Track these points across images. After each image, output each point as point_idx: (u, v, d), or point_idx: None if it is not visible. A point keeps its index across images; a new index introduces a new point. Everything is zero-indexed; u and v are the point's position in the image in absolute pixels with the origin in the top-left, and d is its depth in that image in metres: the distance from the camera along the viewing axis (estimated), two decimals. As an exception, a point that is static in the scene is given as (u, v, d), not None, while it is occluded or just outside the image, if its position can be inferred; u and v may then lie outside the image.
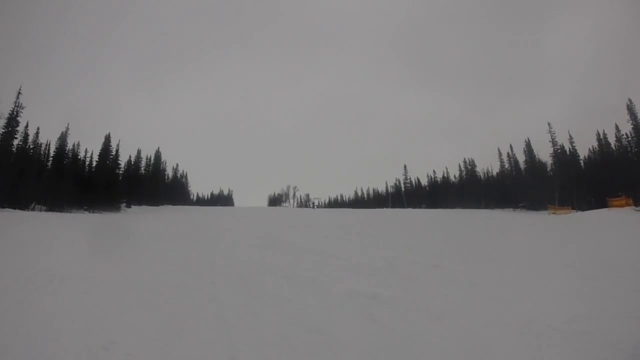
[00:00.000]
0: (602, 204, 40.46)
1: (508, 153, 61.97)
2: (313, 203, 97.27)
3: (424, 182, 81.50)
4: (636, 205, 36.91)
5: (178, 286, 7.70)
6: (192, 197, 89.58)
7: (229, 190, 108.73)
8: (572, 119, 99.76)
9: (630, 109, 48.31)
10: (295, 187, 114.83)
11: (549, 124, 55.36)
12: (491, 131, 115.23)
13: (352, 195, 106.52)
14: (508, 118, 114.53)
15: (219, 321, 5.68)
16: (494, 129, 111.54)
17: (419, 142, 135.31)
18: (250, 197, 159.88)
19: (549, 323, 5.84)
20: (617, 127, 50.18)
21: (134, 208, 52.32)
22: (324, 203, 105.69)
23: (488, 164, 71.19)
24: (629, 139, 49.14)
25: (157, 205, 59.23)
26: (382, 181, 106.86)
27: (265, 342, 4.96)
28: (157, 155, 71.72)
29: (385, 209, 62.31)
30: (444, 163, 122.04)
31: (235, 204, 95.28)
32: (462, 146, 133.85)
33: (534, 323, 5.86)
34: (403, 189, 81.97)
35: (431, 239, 19.75)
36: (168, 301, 6.58)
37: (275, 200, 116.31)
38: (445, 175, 75.98)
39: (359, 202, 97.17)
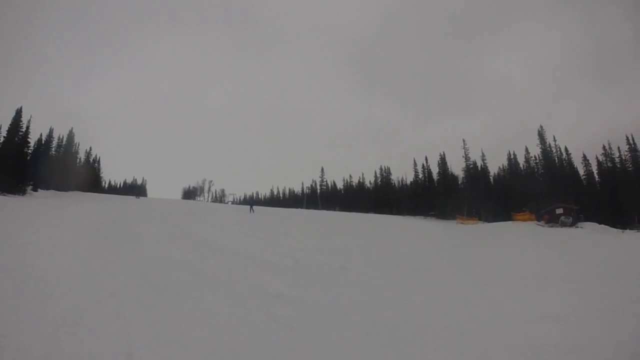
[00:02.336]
0: (507, 217, 43.32)
1: (423, 164, 64.29)
2: (228, 199, 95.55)
3: (340, 185, 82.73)
4: (538, 220, 40.07)
5: (76, 278, 7.22)
6: (104, 184, 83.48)
7: (143, 179, 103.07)
8: (496, 138, 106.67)
9: (541, 134, 53.84)
10: (210, 182, 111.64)
11: (463, 140, 58.93)
12: (420, 142, 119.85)
13: (268, 194, 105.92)
14: (438, 132, 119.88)
15: (117, 317, 5.44)
16: (424, 140, 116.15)
17: (349, 147, 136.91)
18: (165, 188, 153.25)
19: (446, 325, 6.30)
20: (527, 150, 55.62)
21: (41, 192, 47.26)
22: (239, 199, 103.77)
23: (409, 173, 73.63)
24: (537, 161, 54.66)
25: (66, 190, 54.16)
26: (300, 182, 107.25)
27: (163, 340, 4.85)
28: (70, 136, 65.25)
29: (299, 209, 62.35)
30: (368, 169, 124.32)
31: (149, 195, 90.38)
32: (390, 154, 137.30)
33: (433, 325, 6.29)
34: (319, 191, 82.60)
35: (341, 241, 20.17)
36: (65, 294, 6.19)
37: (190, 194, 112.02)
38: (361, 180, 77.53)
39: (275, 200, 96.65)
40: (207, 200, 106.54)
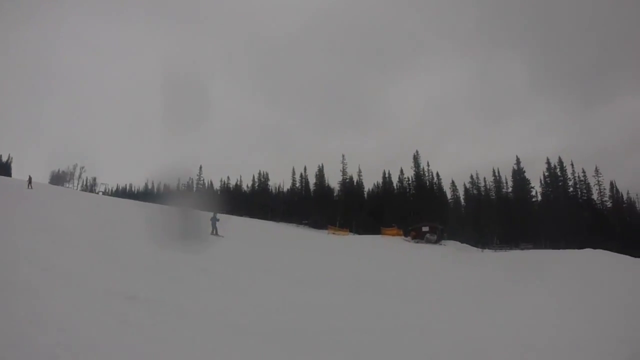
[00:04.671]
0: (378, 231, 44.00)
1: (301, 173, 64.44)
2: (99, 189, 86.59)
3: (217, 186, 79.27)
4: (405, 236, 41.17)
5: None
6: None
7: (9, 157, 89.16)
8: (386, 158, 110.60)
9: (416, 159, 58.06)
10: (82, 168, 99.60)
11: (343, 155, 60.22)
12: (315, 154, 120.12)
13: (142, 187, 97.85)
14: (334, 145, 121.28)
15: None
16: (320, 152, 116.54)
17: (245, 147, 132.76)
18: (37, 169, 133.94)
19: (304, 328, 6.57)
20: (401, 171, 59.47)
21: None
22: (112, 190, 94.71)
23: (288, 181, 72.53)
24: (410, 182, 58.47)
25: None
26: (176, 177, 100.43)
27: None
28: None
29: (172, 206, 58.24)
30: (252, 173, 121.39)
31: (14, 176, 78.21)
32: (287, 160, 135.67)
33: (293, 330, 6.46)
34: (195, 189, 78.27)
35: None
36: None
37: (59, 178, 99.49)
38: (239, 182, 75.08)
39: (149, 195, 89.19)
40: (77, 188, 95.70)
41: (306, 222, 54.84)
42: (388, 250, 30.21)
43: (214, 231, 21.91)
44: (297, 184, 64.80)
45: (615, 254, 31.80)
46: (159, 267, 10.21)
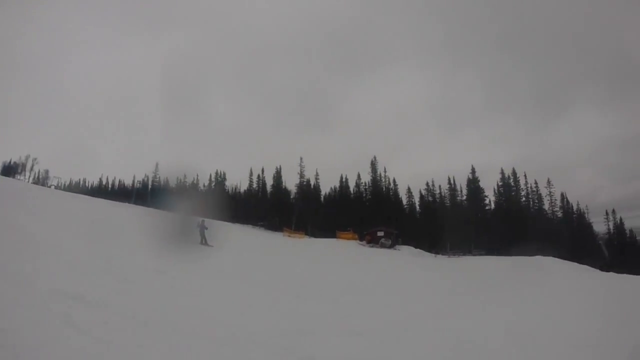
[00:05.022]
0: (333, 234, 43.76)
1: (259, 175, 63.55)
2: (52, 182, 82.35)
3: (173, 183, 76.80)
4: (360, 240, 41.18)
5: None
6: None
7: None
8: (348, 161, 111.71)
9: (373, 164, 58.53)
10: (35, 159, 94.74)
11: (300, 158, 59.61)
12: (280, 155, 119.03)
13: (96, 182, 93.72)
14: (296, 148, 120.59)
15: None
16: (283, 153, 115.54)
17: (205, 146, 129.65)
18: None
19: (251, 332, 6.45)
20: (358, 176, 59.80)
21: None
22: (64, 185, 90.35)
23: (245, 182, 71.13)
24: (366, 187, 59.03)
25: None
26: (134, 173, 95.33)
27: None
28: None
29: (127, 203, 56.00)
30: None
31: None
32: (246, 161, 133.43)
33: (245, 334, 6.30)
34: (150, 186, 75.72)
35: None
36: None
37: (10, 170, 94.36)
38: (195, 181, 73.16)
39: (102, 191, 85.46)
40: (28, 181, 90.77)
41: (262, 223, 54.18)
42: (342, 253, 29.93)
43: (203, 240, 20.73)
44: (255, 185, 63.90)
45: (564, 260, 33.46)
46: (111, 268, 9.65)
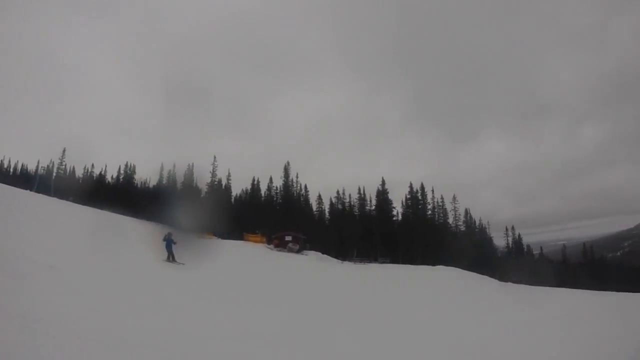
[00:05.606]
0: (242, 236, 43.78)
1: (170, 170, 61.13)
2: None
3: (80, 173, 71.46)
4: (268, 244, 40.97)
5: None
6: None
7: None
8: (267, 164, 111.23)
9: (286, 169, 57.84)
10: None
11: (214, 157, 58.06)
12: (197, 152, 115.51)
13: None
14: (212, 147, 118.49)
15: None
16: (202, 152, 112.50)
17: (121, 138, 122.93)
18: None
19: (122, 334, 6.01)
20: (271, 179, 59.06)
21: None
22: None
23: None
24: (277, 191, 58.28)
25: None
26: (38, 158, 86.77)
27: None
28: None
29: (28, 191, 51.31)
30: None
31: None
32: (160, 156, 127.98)
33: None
34: (54, 174, 69.79)
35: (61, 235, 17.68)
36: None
37: None
38: (104, 172, 68.83)
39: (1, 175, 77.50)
40: None
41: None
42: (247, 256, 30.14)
43: (170, 257, 18.18)
44: (164, 181, 61.10)
45: (465, 271, 35.62)
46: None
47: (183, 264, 17.89)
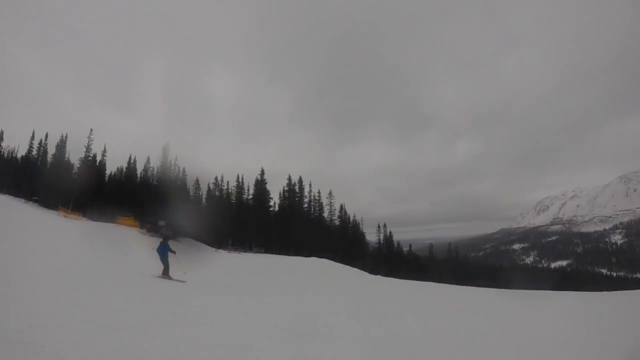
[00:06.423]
0: (114, 219, 42.44)
1: (41, 140, 56.36)
2: None
3: None
4: (141, 228, 40.34)
5: None
6: None
7: None
8: (149, 146, 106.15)
9: (165, 150, 54.59)
10: None
11: (91, 130, 53.60)
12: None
13: None
14: (100, 121, 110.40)
15: None
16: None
17: None
18: None
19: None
20: (148, 160, 56.23)
21: None
22: None
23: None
24: (154, 172, 55.38)
25: None
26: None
27: None
28: None
29: None
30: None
31: None
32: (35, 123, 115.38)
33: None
34: None
35: None
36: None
37: None
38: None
39: None
40: None
41: (37, 198, 47.57)
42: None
43: (165, 271, 14.15)
44: (34, 152, 56.04)
45: (337, 263, 38.17)
46: None
47: (184, 282, 13.77)
